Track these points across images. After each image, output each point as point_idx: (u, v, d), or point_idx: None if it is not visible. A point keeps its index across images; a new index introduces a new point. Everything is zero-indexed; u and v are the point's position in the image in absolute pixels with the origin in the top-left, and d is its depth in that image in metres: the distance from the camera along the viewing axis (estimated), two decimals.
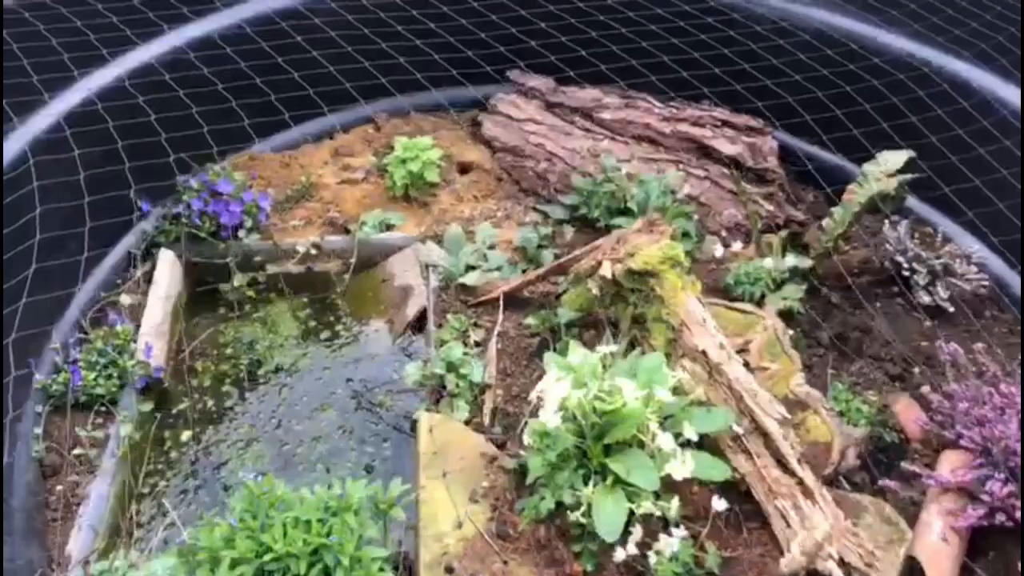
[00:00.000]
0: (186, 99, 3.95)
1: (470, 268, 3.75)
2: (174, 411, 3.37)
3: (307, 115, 4.46)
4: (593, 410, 2.66)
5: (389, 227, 4.03)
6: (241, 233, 3.90)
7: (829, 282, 3.81)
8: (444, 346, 3.39)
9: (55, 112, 3.61)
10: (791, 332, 3.35)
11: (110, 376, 3.21)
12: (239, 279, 3.88)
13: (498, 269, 3.74)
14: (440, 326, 3.53)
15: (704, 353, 2.90)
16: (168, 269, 3.78)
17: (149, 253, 3.85)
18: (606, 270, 3.17)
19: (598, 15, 4.55)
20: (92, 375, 3.16)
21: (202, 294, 3.87)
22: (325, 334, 3.72)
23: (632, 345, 3.20)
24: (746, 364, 3.07)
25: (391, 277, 3.91)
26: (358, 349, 3.64)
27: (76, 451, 3.04)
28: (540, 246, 3.86)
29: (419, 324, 3.71)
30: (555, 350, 3.32)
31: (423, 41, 4.51)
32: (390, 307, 3.80)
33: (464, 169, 4.41)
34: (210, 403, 3.40)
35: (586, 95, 4.58)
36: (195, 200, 3.87)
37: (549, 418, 2.63)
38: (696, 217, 4.00)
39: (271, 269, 3.97)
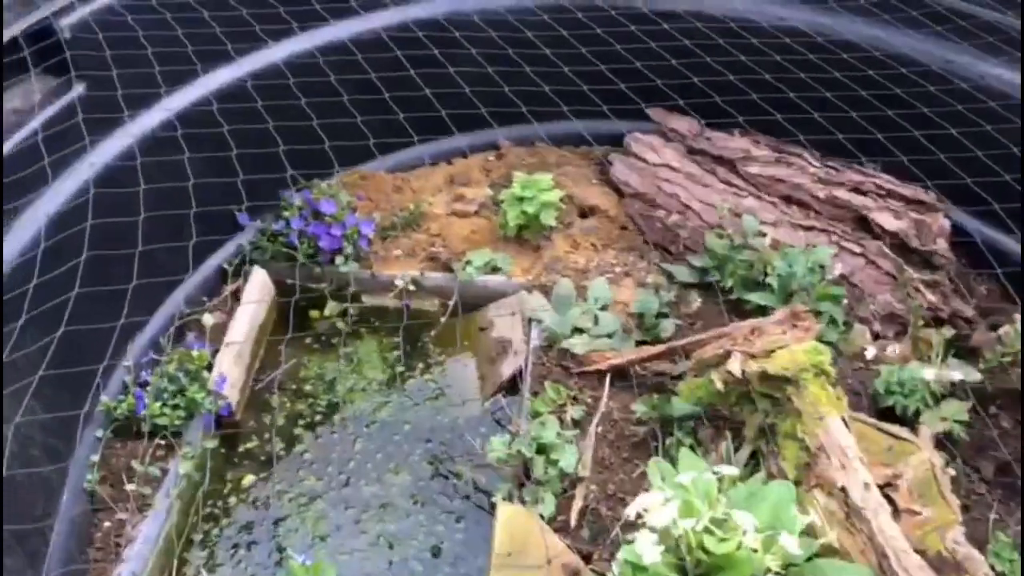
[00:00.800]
0: (307, 107, 3.72)
1: (577, 331, 3.35)
2: (240, 449, 3.13)
3: (427, 135, 4.14)
4: (701, 546, 2.22)
5: (495, 269, 3.68)
6: (339, 259, 3.63)
7: (1001, 401, 3.20)
8: (537, 419, 3.01)
9: (166, 108, 3.43)
10: (951, 470, 2.78)
11: (176, 406, 2.98)
12: (331, 308, 3.61)
13: (609, 336, 3.32)
14: (536, 394, 3.15)
15: (844, 491, 2.40)
16: (258, 289, 3.55)
17: (241, 270, 3.64)
18: (735, 365, 2.71)
19: (764, 73, 4.01)
20: (158, 404, 2.94)
21: (290, 319, 3.61)
22: (411, 382, 3.40)
23: (754, 458, 2.74)
24: (892, 503, 2.55)
25: (490, 326, 3.55)
26: (443, 406, 3.30)
27: (130, 486, 2.81)
28: (660, 314, 3.42)
29: (513, 385, 3.34)
30: (664, 448, 2.89)
31: (556, 67, 4.13)
32: (484, 361, 3.45)
33: (585, 212, 4.01)
34: (279, 446, 3.14)
35: (734, 144, 4.10)
36: (295, 219, 3.63)
37: (646, 550, 2.20)
38: (845, 301, 3.47)
39: (366, 301, 3.69)
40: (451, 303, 3.61)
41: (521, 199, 3.70)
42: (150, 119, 3.26)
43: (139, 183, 3.21)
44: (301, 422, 3.23)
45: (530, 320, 3.45)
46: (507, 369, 3.34)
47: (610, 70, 4.13)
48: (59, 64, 3.00)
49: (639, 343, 3.33)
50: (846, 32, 4.03)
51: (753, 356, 2.73)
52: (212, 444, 3.03)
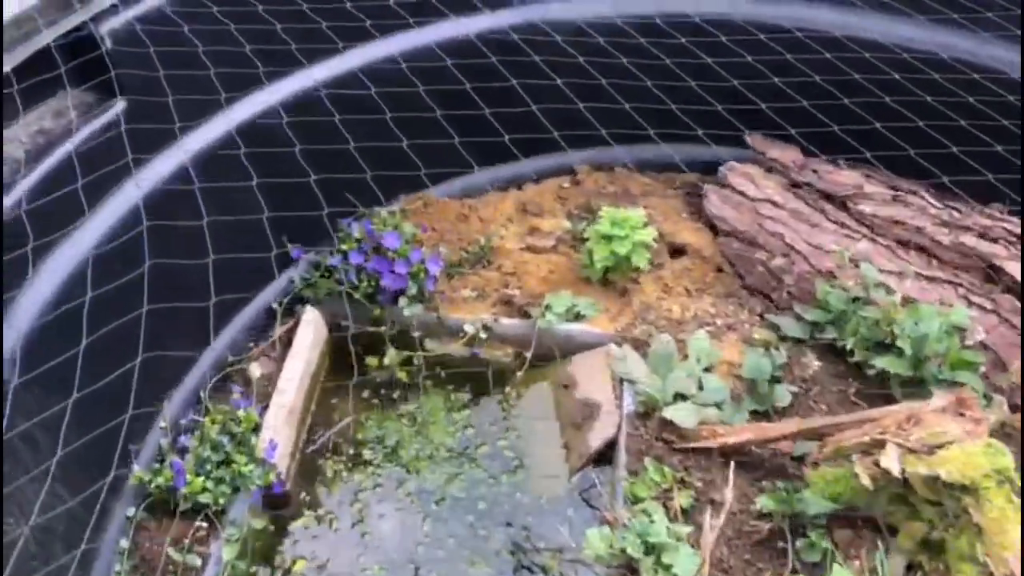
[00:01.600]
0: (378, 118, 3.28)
1: (679, 396, 2.90)
2: (291, 527, 2.70)
3: (495, 156, 3.70)
4: None
5: (578, 316, 3.24)
6: (402, 300, 3.19)
7: None
8: (638, 506, 2.58)
9: (214, 129, 3.00)
10: None
11: (220, 480, 2.56)
12: (391, 356, 3.17)
13: (717, 406, 2.87)
14: (634, 473, 2.71)
15: None
16: (311, 333, 3.13)
17: (292, 309, 3.21)
18: (892, 462, 2.27)
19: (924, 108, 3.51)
20: (199, 480, 2.52)
21: (346, 367, 3.19)
22: (484, 450, 2.96)
23: (910, 571, 2.29)
24: None
25: (573, 383, 3.11)
26: (524, 480, 2.86)
27: None
28: (773, 378, 2.97)
29: (603, 456, 2.90)
30: (794, 550, 2.45)
31: (642, 84, 3.68)
32: (568, 425, 3.01)
33: (676, 251, 3.56)
34: (336, 523, 2.71)
35: (844, 179, 3.63)
36: (354, 253, 3.19)
37: None
38: (982, 369, 3.01)
39: (430, 347, 3.25)
40: (528, 354, 3.18)
41: (610, 238, 3.25)
42: (197, 140, 2.84)
43: (184, 213, 2.79)
44: (360, 495, 2.80)
45: (621, 380, 3.01)
46: (596, 439, 2.90)
47: (705, 90, 3.69)
48: (99, 77, 2.57)
49: (752, 414, 2.89)
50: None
51: (912, 451, 2.28)
52: (261, 524, 2.60)
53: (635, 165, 3.91)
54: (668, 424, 2.84)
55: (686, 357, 3.05)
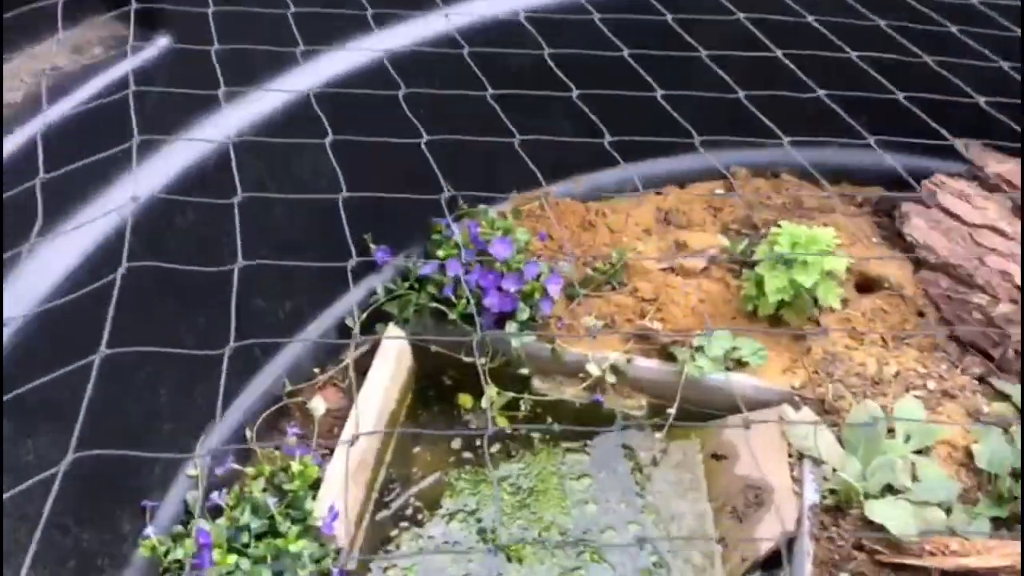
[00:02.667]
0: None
1: (888, 490, 2.11)
2: None
3: (632, 151, 2.94)
4: None
5: (739, 363, 2.47)
6: (509, 325, 2.48)
7: None
8: None
9: (279, 89, 2.33)
10: None
11: (259, 559, 1.88)
12: (491, 396, 2.47)
13: (944, 509, 2.06)
14: None
15: None
16: (393, 360, 2.44)
17: (371, 327, 2.53)
18: None
19: None
20: (231, 559, 1.84)
21: (433, 403, 2.51)
22: (610, 535, 2.21)
23: None
24: None
25: (731, 455, 2.34)
26: None
27: None
28: (1017, 471, 2.15)
29: (774, 559, 2.13)
30: None
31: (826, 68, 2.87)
32: (725, 512, 2.24)
33: (867, 285, 2.75)
34: None
35: None
36: (453, 261, 2.50)
37: None
38: None
39: (540, 388, 2.54)
40: (672, 409, 2.42)
41: (789, 262, 2.47)
42: (259, 102, 2.18)
43: (232, 192, 2.12)
44: None
45: (800, 456, 2.24)
46: (767, 537, 2.12)
47: (901, 79, 2.86)
48: (135, 3, 1.94)
49: (992, 521, 2.07)
50: None
51: None
52: None
53: (806, 170, 3.10)
54: (873, 527, 2.04)
55: (891, 432, 2.25)
